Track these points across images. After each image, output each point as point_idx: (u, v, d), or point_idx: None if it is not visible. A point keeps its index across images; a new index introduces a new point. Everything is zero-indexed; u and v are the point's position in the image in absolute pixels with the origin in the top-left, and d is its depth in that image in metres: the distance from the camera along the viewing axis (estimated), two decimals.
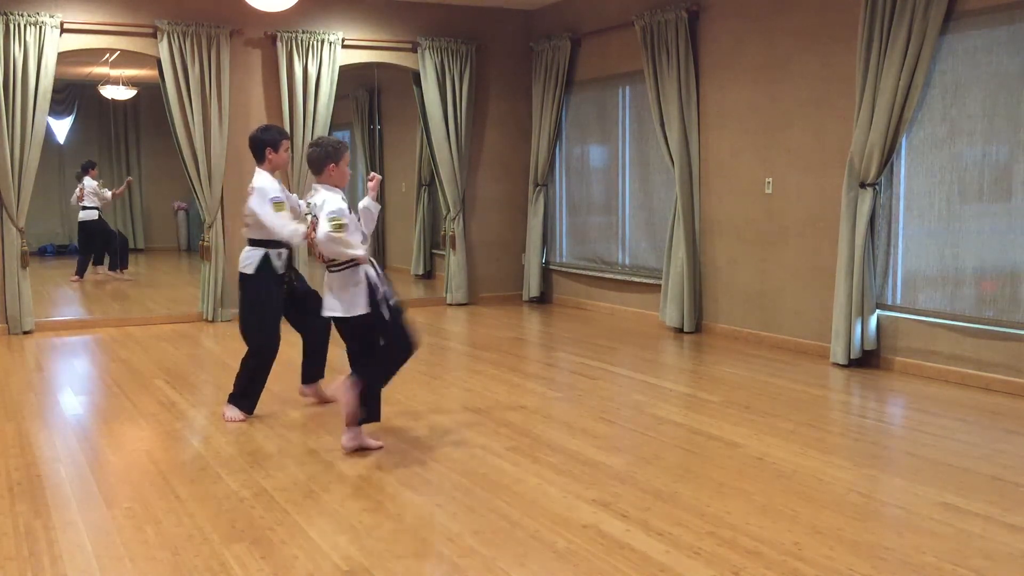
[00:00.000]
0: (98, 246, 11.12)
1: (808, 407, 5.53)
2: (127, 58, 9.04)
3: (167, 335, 8.25)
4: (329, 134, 9.24)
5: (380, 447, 4.71)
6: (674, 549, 3.44)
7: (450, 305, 9.99)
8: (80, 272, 11.04)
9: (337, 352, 5.42)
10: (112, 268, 11.28)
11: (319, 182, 4.64)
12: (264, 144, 5.26)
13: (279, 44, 8.91)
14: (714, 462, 4.49)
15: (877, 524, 3.71)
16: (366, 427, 4.76)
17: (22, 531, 3.68)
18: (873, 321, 6.51)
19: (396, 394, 5.91)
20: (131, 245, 12.01)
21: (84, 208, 10.84)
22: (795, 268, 7.23)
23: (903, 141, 6.32)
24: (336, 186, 4.62)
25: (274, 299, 5.33)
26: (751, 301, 7.65)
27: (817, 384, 6.14)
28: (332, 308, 4.62)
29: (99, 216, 10.90)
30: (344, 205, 4.54)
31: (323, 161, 4.59)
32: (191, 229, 11.98)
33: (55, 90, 8.28)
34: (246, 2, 7.06)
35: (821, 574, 3.22)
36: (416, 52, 9.59)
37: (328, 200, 4.52)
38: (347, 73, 9.44)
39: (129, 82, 10.85)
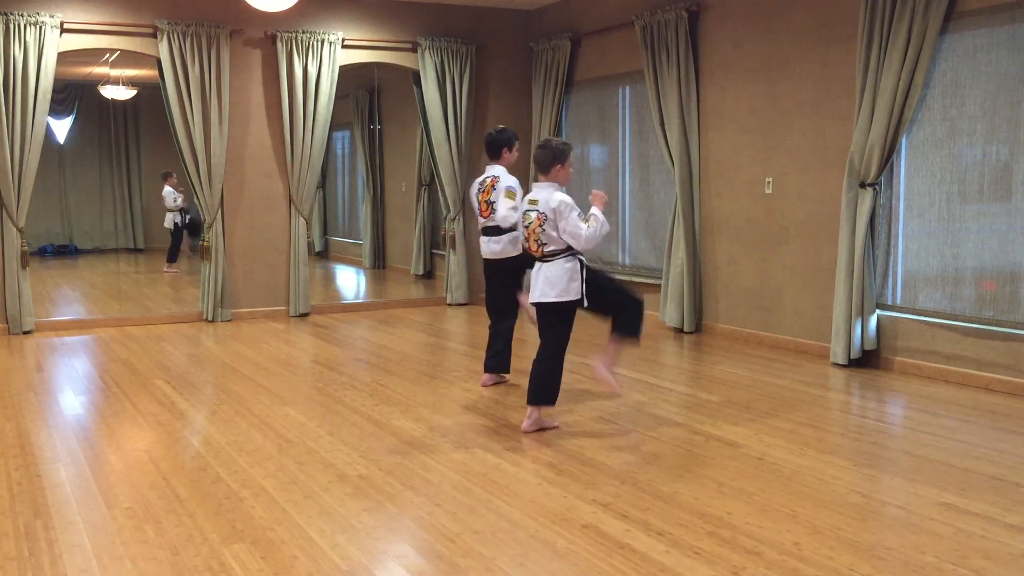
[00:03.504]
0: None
1: (808, 407, 5.53)
2: (127, 58, 9.03)
3: (167, 335, 8.24)
4: (329, 134, 9.26)
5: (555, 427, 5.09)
6: (674, 549, 3.44)
7: (450, 305, 9.99)
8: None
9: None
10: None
11: (546, 180, 4.90)
12: (502, 144, 5.88)
13: (279, 44, 8.91)
14: (714, 462, 4.49)
15: (877, 524, 3.71)
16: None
17: (22, 531, 3.68)
18: (873, 321, 6.51)
19: (396, 394, 5.91)
20: (131, 245, 12.04)
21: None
22: (795, 268, 7.22)
23: (903, 141, 6.32)
24: (562, 184, 4.92)
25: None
26: (751, 301, 7.65)
27: (817, 384, 6.14)
28: (545, 295, 4.87)
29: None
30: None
31: (551, 161, 4.87)
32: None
33: (55, 90, 8.28)
34: (246, 2, 7.06)
35: (821, 574, 3.22)
36: (416, 52, 9.59)
37: (563, 200, 4.80)
38: (347, 73, 9.44)
39: (129, 82, 10.85)
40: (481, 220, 5.89)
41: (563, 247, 4.83)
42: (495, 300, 6.07)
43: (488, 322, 6.18)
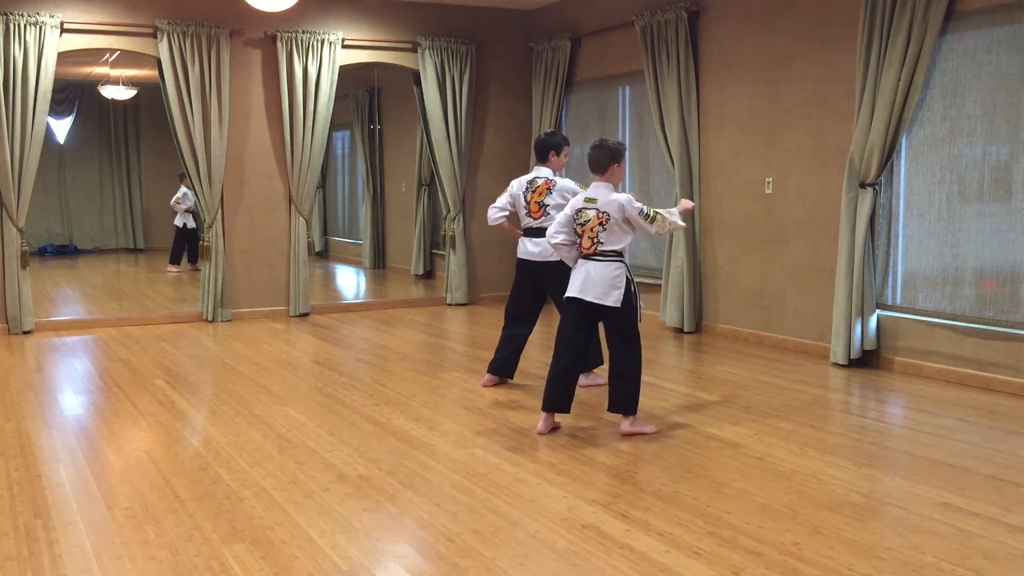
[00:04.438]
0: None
1: (808, 407, 5.53)
2: (127, 58, 9.03)
3: (167, 335, 8.24)
4: (329, 134, 9.27)
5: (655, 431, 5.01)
6: (674, 549, 3.44)
7: (450, 305, 9.99)
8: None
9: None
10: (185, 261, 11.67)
11: (601, 181, 4.94)
12: (549, 147, 5.88)
13: (279, 44, 8.91)
14: (714, 462, 4.49)
15: (877, 524, 3.71)
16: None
17: (22, 531, 3.68)
18: (873, 321, 6.51)
19: (396, 394, 5.91)
20: (131, 245, 12.04)
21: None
22: (795, 268, 7.22)
23: (903, 141, 6.32)
24: (617, 184, 4.96)
25: None
26: (751, 301, 7.65)
27: (817, 384, 6.14)
28: (582, 292, 4.83)
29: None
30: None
31: (609, 161, 4.91)
32: None
33: (55, 90, 8.28)
34: (246, 2, 7.06)
35: (821, 574, 3.22)
36: (416, 52, 9.59)
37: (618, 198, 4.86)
38: (347, 73, 9.44)
39: (129, 82, 10.85)
40: (528, 220, 5.85)
41: (617, 250, 4.83)
42: (517, 304, 6.03)
43: (500, 325, 6.13)
